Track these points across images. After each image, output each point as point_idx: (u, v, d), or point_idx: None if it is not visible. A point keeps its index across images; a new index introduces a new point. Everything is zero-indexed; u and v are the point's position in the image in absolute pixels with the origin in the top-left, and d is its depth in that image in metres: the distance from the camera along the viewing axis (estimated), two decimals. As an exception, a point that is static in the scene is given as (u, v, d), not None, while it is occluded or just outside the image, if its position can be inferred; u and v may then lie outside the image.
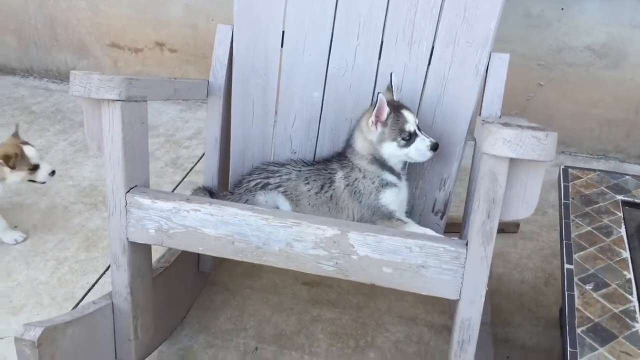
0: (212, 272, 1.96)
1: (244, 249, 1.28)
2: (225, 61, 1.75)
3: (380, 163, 1.59)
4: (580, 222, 1.54)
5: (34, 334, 1.15)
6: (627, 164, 2.69)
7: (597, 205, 1.60)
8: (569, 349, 1.21)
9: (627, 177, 1.71)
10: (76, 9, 3.02)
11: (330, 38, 1.72)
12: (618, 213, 1.56)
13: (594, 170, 1.75)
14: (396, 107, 1.56)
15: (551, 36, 2.53)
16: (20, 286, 1.93)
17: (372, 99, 1.68)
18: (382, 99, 1.52)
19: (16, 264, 2.02)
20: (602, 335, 1.23)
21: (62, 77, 3.22)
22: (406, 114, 1.55)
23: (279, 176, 1.66)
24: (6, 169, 1.94)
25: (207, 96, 1.75)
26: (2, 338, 1.75)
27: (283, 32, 1.74)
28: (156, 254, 1.68)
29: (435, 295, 1.23)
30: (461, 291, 1.20)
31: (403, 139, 1.54)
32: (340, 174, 1.63)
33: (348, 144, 1.65)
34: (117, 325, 1.41)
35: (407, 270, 1.21)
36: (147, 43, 2.98)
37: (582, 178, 1.71)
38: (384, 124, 1.55)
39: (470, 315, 1.21)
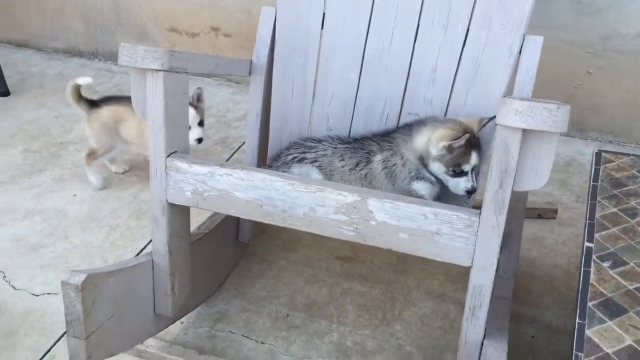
0: (250, 243, 2.07)
1: (271, 212, 1.37)
2: (268, 41, 1.84)
3: (424, 164, 1.62)
4: (606, 204, 1.55)
5: (79, 279, 1.28)
6: None
7: (627, 188, 1.60)
8: (577, 320, 1.24)
9: (662, 162, 1.70)
10: (138, -5, 3.20)
11: (368, 20, 1.79)
12: (647, 196, 1.56)
13: (628, 155, 1.74)
14: (471, 145, 1.53)
15: (601, 23, 2.50)
16: (75, 249, 2.09)
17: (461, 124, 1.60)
18: (467, 139, 1.50)
19: (73, 228, 2.19)
20: (613, 310, 1.25)
21: (124, 60, 3.41)
22: (473, 155, 1.54)
23: (315, 151, 1.74)
24: None
25: (249, 74, 1.85)
26: (56, 294, 1.91)
27: (324, 14, 1.82)
28: (197, 222, 1.80)
29: (448, 261, 1.28)
30: (473, 258, 1.25)
31: (454, 171, 1.56)
32: (379, 157, 1.68)
33: (408, 131, 1.67)
34: (156, 281, 1.53)
35: (422, 236, 1.27)
36: (203, 28, 3.12)
37: (615, 162, 1.71)
38: (450, 151, 1.53)
39: (482, 282, 1.26)
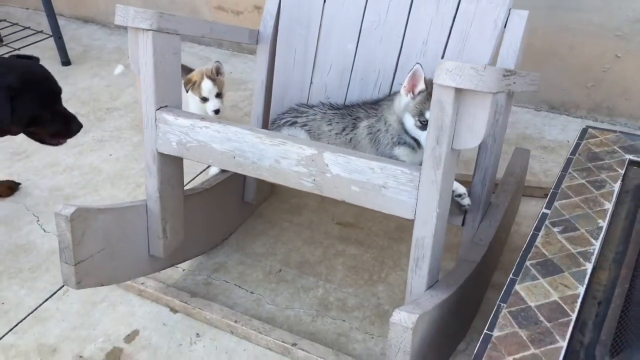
0: (256, 204, 2.21)
1: (243, 163, 1.50)
2: (274, 13, 1.97)
3: (404, 127, 1.64)
4: (576, 175, 1.58)
5: (68, 210, 1.46)
6: None
7: (601, 162, 1.62)
8: (511, 276, 1.30)
9: (647, 139, 1.70)
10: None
11: (367, -5, 1.88)
12: (620, 170, 1.58)
13: (615, 132, 1.75)
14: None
15: (630, 6, 2.45)
16: (102, 200, 2.31)
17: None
18: (418, 70, 1.54)
19: (104, 183, 2.42)
20: (549, 269, 1.30)
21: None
22: None
23: (305, 116, 1.86)
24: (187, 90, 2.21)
25: (257, 43, 1.99)
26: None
27: (327, -12, 1.92)
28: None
29: (394, 214, 1.36)
30: (416, 211, 1.33)
31: (420, 121, 1.56)
32: (365, 123, 1.77)
33: (389, 97, 1.78)
34: (150, 224, 1.70)
35: (371, 189, 1.36)
36: (247, 6, 3.29)
37: (599, 137, 1.72)
38: (414, 97, 1.57)
39: (424, 234, 1.34)
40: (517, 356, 1.12)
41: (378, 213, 2.20)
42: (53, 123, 1.91)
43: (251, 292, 1.91)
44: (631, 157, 1.62)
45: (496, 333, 1.17)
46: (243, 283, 1.94)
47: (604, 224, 1.41)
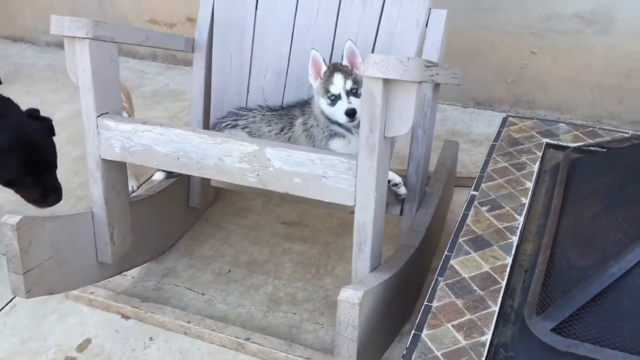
0: (202, 209, 2.25)
1: (187, 163, 1.55)
2: (208, 20, 2.03)
3: (326, 116, 1.72)
4: (499, 160, 1.70)
5: (14, 220, 1.48)
6: (621, 130, 2.75)
7: (521, 146, 1.75)
8: (446, 252, 1.40)
9: (561, 124, 1.85)
10: (119, -10, 3.42)
11: (296, 0, 1.96)
12: (538, 153, 1.71)
13: (532, 119, 1.89)
14: (334, 69, 1.67)
15: (541, 4, 2.64)
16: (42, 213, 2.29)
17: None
18: (314, 55, 1.67)
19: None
20: (479, 244, 1.41)
21: (109, 51, 3.63)
22: (337, 76, 1.64)
23: (245, 119, 1.92)
24: None
25: (193, 51, 2.04)
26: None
27: (258, -5, 2.00)
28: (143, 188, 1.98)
29: (336, 201, 1.44)
30: (355, 198, 1.41)
31: (329, 97, 1.66)
32: (300, 120, 1.84)
33: (312, 94, 1.86)
34: (97, 230, 1.72)
35: (312, 180, 1.44)
36: (180, 18, 3.33)
37: (518, 125, 1.86)
38: (320, 80, 1.68)
39: (364, 219, 1.42)
40: (454, 322, 1.22)
41: (321, 211, 2.30)
42: (31, 190, 1.89)
43: (202, 294, 1.94)
44: (547, 140, 1.76)
45: (435, 304, 1.27)
46: (193, 285, 1.98)
47: (526, 201, 1.53)
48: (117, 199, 1.73)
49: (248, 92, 2.04)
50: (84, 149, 2.70)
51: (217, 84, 2.05)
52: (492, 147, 1.75)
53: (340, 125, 1.72)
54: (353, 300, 1.25)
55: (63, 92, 3.20)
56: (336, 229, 2.22)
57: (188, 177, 2.13)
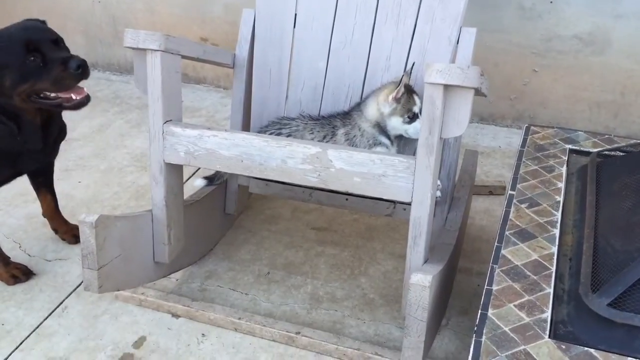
0: (236, 215, 2.36)
1: (250, 165, 1.67)
2: (249, 38, 2.16)
3: (381, 129, 1.90)
4: (529, 163, 1.87)
5: (92, 218, 1.57)
6: (634, 138, 2.96)
7: (547, 151, 1.92)
8: (496, 244, 1.55)
9: (579, 132, 2.02)
10: (135, 10, 3.53)
11: (333, 19, 2.11)
12: (563, 157, 1.88)
13: (552, 127, 2.07)
14: (409, 90, 1.86)
15: (542, 27, 2.85)
16: (82, 223, 2.37)
17: (402, 76, 1.89)
18: (405, 85, 1.83)
19: (79, 208, 2.48)
20: (525, 236, 1.56)
21: (122, 69, 3.73)
22: (416, 97, 1.85)
23: (289, 127, 2.04)
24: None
25: (233, 66, 2.17)
26: (66, 259, 2.19)
27: (295, 14, 2.14)
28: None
29: (394, 198, 1.58)
30: (412, 194, 1.55)
31: (408, 116, 1.85)
32: (342, 130, 1.99)
33: (358, 107, 2.00)
34: (155, 231, 1.82)
35: (372, 179, 1.57)
36: (193, 38, 3.45)
37: (540, 133, 2.04)
38: (398, 101, 1.85)
39: (420, 214, 1.56)
40: (515, 302, 1.35)
41: (348, 217, 2.44)
42: (45, 71, 1.74)
43: (245, 294, 2.05)
44: (570, 146, 1.93)
45: (495, 287, 1.40)
46: (236, 286, 2.08)
47: (560, 199, 1.69)
48: (175, 202, 1.83)
49: (286, 103, 2.17)
50: (110, 161, 2.82)
51: (257, 97, 2.18)
52: (521, 153, 1.91)
53: (387, 137, 1.90)
54: (424, 283, 1.38)
55: (82, 109, 3.27)
56: (364, 234, 2.35)
57: (225, 185, 2.24)
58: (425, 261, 1.62)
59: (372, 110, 1.91)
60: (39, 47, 1.73)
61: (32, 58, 1.72)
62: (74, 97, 1.80)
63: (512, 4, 2.85)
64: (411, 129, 1.87)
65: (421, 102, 1.82)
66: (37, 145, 1.89)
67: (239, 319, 1.88)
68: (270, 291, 2.06)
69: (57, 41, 1.81)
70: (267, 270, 2.16)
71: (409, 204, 1.58)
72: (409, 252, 1.61)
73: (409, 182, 1.54)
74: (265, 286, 2.08)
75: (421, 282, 1.39)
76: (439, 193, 1.95)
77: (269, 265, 2.19)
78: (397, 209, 2.02)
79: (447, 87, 1.45)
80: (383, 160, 1.55)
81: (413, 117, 1.84)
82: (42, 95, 1.78)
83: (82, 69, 1.75)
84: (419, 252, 1.60)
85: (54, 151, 2.04)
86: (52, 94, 1.78)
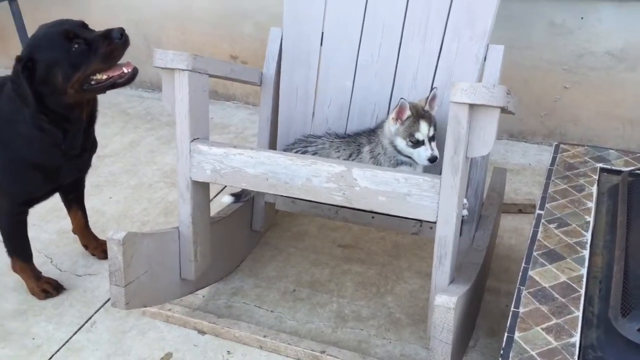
0: (263, 232, 2.37)
1: (275, 184, 1.68)
2: (276, 56, 2.18)
3: (396, 149, 1.89)
4: (559, 182, 1.84)
5: (120, 235, 1.60)
6: None
7: (577, 170, 1.89)
8: (523, 265, 1.52)
9: (611, 150, 1.99)
10: (166, 28, 3.61)
11: (359, 37, 2.12)
12: (594, 176, 1.85)
13: (583, 146, 2.03)
14: (418, 115, 1.82)
15: (573, 43, 2.81)
16: (112, 238, 2.41)
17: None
18: (403, 104, 1.81)
19: (109, 224, 2.52)
20: (553, 257, 1.53)
21: (154, 87, 3.80)
22: (422, 124, 1.81)
23: (315, 145, 2.05)
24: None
25: (260, 84, 2.19)
26: (96, 274, 2.23)
27: (322, 33, 2.16)
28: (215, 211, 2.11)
29: (418, 217, 1.57)
30: (438, 214, 1.54)
31: (411, 141, 1.82)
32: (367, 148, 1.99)
33: (381, 125, 2.01)
34: (182, 248, 1.83)
35: (397, 198, 1.56)
36: (223, 56, 3.50)
37: (570, 151, 2.00)
38: (402, 123, 1.83)
39: (446, 233, 1.55)
40: (543, 326, 1.33)
41: (374, 235, 2.43)
42: (92, 52, 1.75)
43: (271, 311, 2.05)
44: (601, 165, 1.90)
45: (522, 309, 1.38)
46: (262, 303, 2.08)
47: (590, 219, 1.65)
48: (202, 219, 1.85)
49: (312, 121, 2.18)
50: (140, 177, 2.86)
51: (284, 114, 2.19)
52: (550, 171, 1.88)
53: (407, 156, 1.88)
54: (449, 305, 1.37)
55: (113, 126, 3.35)
56: (390, 251, 2.34)
57: (252, 202, 2.26)
58: (451, 281, 1.61)
59: (386, 128, 1.91)
60: (77, 33, 1.75)
61: (77, 45, 1.74)
62: (125, 70, 1.81)
63: (542, 20, 2.82)
64: (415, 154, 1.84)
65: (430, 129, 1.81)
66: (76, 150, 1.92)
67: (265, 336, 1.88)
68: (296, 309, 2.06)
69: (85, 24, 1.83)
70: (293, 287, 2.16)
71: (435, 222, 1.56)
72: (434, 271, 1.60)
73: (434, 201, 1.53)
74: (291, 304, 2.08)
75: (446, 303, 1.37)
76: (465, 211, 1.93)
77: (294, 282, 2.19)
78: (424, 227, 2.00)
79: (472, 106, 1.44)
80: (408, 179, 1.54)
81: (417, 143, 1.81)
82: (93, 81, 1.79)
83: (124, 36, 1.76)
84: (444, 272, 1.58)
85: (88, 162, 2.07)
86: (104, 76, 1.79)
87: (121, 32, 1.75)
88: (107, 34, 1.74)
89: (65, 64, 1.74)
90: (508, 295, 2.09)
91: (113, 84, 1.81)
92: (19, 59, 1.74)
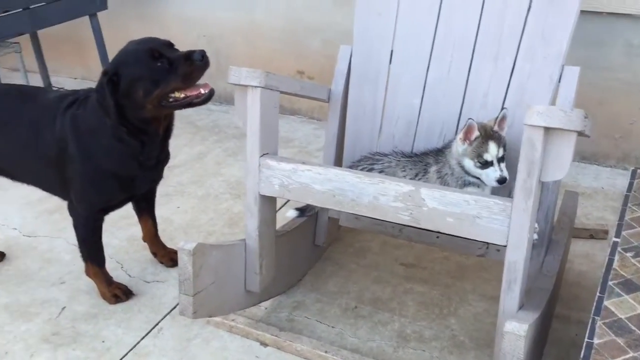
0: (325, 247, 2.38)
1: (342, 201, 1.68)
2: (345, 73, 2.20)
3: (464, 169, 1.86)
4: (636, 209, 1.77)
5: (191, 245, 1.64)
6: None
7: (657, 196, 1.81)
8: (598, 294, 1.47)
9: (694, 177, 1.90)
10: (236, 44, 3.70)
11: (429, 55, 2.11)
12: (675, 203, 1.77)
13: (663, 171, 1.95)
14: (487, 136, 1.80)
15: (652, 63, 2.71)
16: (179, 247, 2.48)
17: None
18: (471, 124, 1.79)
19: (177, 233, 2.59)
20: (630, 287, 1.47)
21: (221, 100, 3.90)
22: (491, 145, 1.78)
23: (381, 163, 2.05)
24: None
25: (328, 101, 2.21)
26: (163, 282, 2.29)
27: (392, 51, 2.16)
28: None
29: (487, 240, 1.54)
30: (508, 237, 1.50)
31: (479, 162, 1.80)
32: (434, 168, 1.97)
33: (448, 145, 1.99)
34: (248, 261, 1.86)
35: (465, 219, 1.54)
36: (290, 71, 3.56)
37: (649, 176, 1.92)
38: (470, 143, 1.81)
39: (516, 258, 1.51)
40: (619, 359, 1.27)
41: (438, 254, 2.40)
42: (173, 71, 1.81)
43: (332, 327, 2.05)
44: (682, 192, 1.82)
45: (596, 341, 1.33)
46: (323, 319, 2.09)
47: (670, 248, 1.58)
48: (267, 233, 1.88)
49: (379, 138, 2.18)
50: (207, 188, 2.93)
51: (351, 131, 2.20)
52: (627, 198, 1.82)
53: (474, 176, 1.85)
54: (519, 332, 1.33)
55: (182, 137, 3.45)
56: (454, 272, 2.30)
57: (316, 217, 2.27)
58: (521, 307, 1.56)
59: (454, 148, 1.89)
60: (162, 52, 1.81)
61: (159, 63, 1.80)
62: (202, 91, 1.85)
63: (619, 40, 2.74)
64: (484, 175, 1.80)
65: (499, 150, 1.78)
66: (151, 161, 1.99)
67: (326, 352, 1.88)
68: (357, 326, 2.05)
69: (171, 44, 1.90)
70: (354, 304, 2.16)
71: (504, 246, 1.53)
72: (503, 296, 1.56)
73: (504, 224, 1.50)
74: (352, 320, 2.08)
75: (516, 330, 1.34)
76: (535, 236, 1.87)
77: (356, 299, 2.18)
78: (490, 249, 1.97)
79: (547, 129, 1.40)
80: (478, 201, 1.52)
81: (485, 164, 1.78)
82: (171, 98, 1.85)
83: (205, 58, 1.80)
84: (513, 297, 1.54)
85: (161, 173, 2.14)
86: (182, 94, 1.85)
87: (202, 54, 1.79)
88: (189, 55, 1.80)
89: (147, 81, 1.81)
90: (578, 323, 2.02)
91: (189, 103, 1.86)
92: (105, 73, 1.83)
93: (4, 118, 2.01)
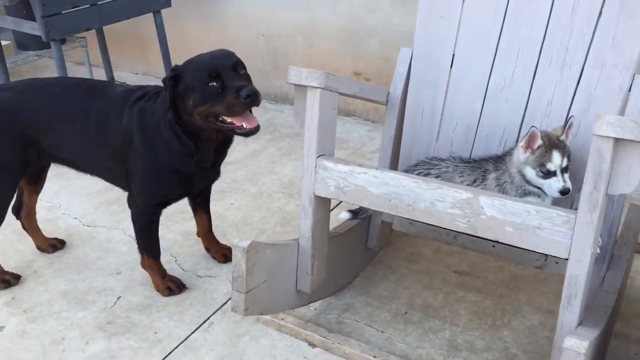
0: (377, 250, 2.37)
1: (398, 205, 1.66)
2: (404, 76, 2.17)
3: (525, 178, 1.83)
4: None
5: (245, 243, 1.65)
6: None
7: None
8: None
9: None
10: (294, 43, 3.71)
11: (492, 60, 2.06)
12: None
13: None
14: (551, 145, 1.76)
15: None
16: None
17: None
18: (534, 132, 1.76)
19: (230, 229, 2.62)
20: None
21: (277, 99, 3.92)
22: (555, 154, 1.75)
23: (438, 168, 2.02)
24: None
25: (386, 103, 2.19)
26: (215, 277, 2.32)
27: (453, 55, 2.12)
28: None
29: (547, 252, 1.50)
30: (570, 251, 1.45)
31: (542, 171, 1.76)
32: (493, 175, 1.93)
33: (509, 152, 1.95)
34: (300, 261, 1.87)
35: (525, 230, 1.50)
36: (347, 72, 3.55)
37: None
38: (533, 152, 1.78)
39: (577, 272, 1.46)
40: (685, 383, 1.21)
41: (492, 263, 2.34)
42: (221, 96, 1.83)
43: (382, 332, 2.03)
44: None
45: (660, 363, 1.27)
46: (372, 323, 2.07)
47: None
48: (321, 234, 1.88)
49: (437, 143, 2.15)
50: (260, 186, 2.95)
51: (408, 134, 2.18)
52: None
53: (535, 186, 1.81)
54: (579, 349, 1.29)
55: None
56: (509, 283, 2.25)
57: (369, 220, 2.26)
58: (580, 323, 1.51)
59: (515, 156, 1.85)
60: (220, 74, 1.84)
61: (213, 84, 1.84)
62: (245, 125, 1.87)
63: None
64: (546, 185, 1.77)
65: (563, 160, 1.73)
66: (207, 164, 2.03)
67: (375, 357, 1.87)
68: (407, 332, 2.03)
69: (237, 67, 1.91)
70: (405, 309, 2.13)
71: (565, 259, 1.48)
72: (562, 311, 1.51)
73: (566, 237, 1.45)
74: (402, 326, 2.06)
75: (576, 347, 1.29)
76: (597, 250, 1.82)
77: (406, 304, 2.16)
78: (549, 261, 1.91)
79: (618, 140, 1.35)
80: (539, 212, 1.48)
81: (548, 174, 1.74)
82: (219, 118, 1.88)
83: (252, 98, 1.81)
84: (573, 312, 1.49)
85: (218, 173, 2.17)
86: (228, 119, 1.88)
87: (250, 93, 1.81)
88: (239, 89, 1.82)
89: (198, 95, 1.86)
90: (638, 342, 1.94)
91: (233, 130, 1.91)
92: (173, 69, 1.90)
93: (73, 111, 2.07)
